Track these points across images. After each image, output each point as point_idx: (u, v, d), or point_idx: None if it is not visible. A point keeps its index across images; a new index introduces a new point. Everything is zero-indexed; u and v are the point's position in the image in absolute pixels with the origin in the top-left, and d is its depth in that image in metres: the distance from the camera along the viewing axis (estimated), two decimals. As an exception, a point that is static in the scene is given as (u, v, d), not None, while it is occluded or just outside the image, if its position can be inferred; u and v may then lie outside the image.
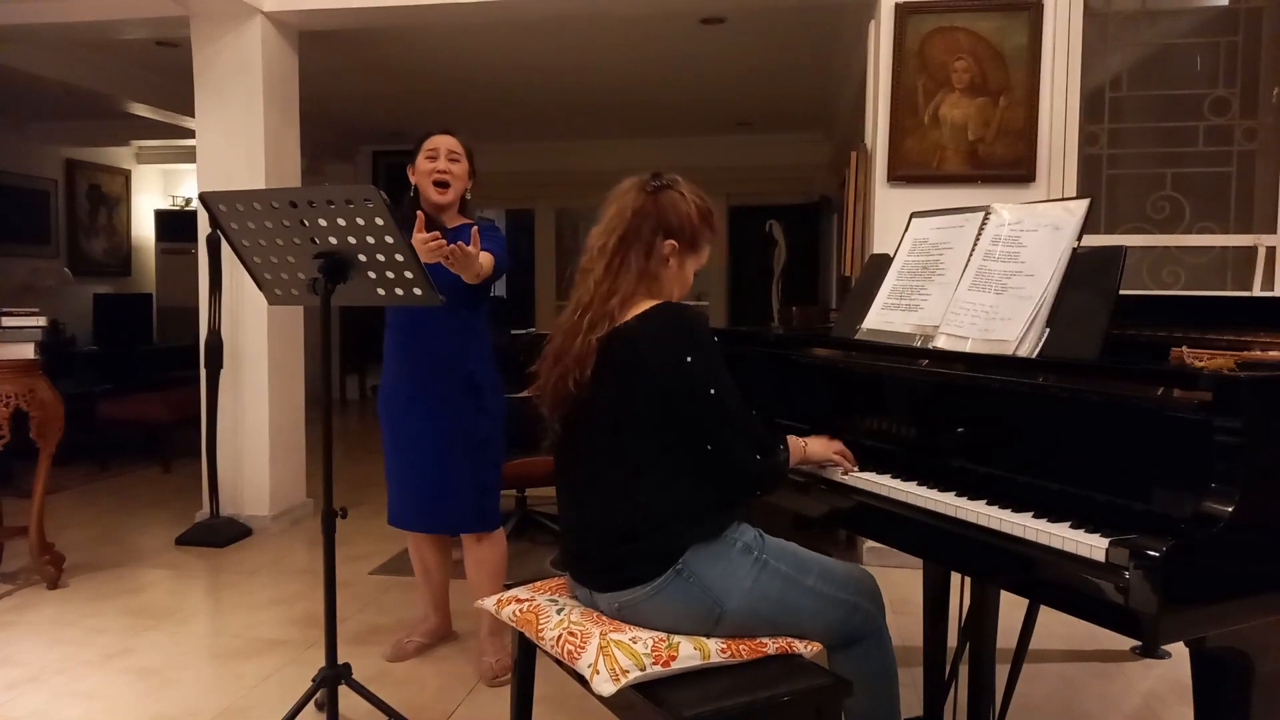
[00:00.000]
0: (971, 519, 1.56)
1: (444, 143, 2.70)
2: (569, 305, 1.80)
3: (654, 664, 1.58)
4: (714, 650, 1.63)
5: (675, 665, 1.59)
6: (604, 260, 1.75)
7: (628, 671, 1.56)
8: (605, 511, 1.71)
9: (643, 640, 1.62)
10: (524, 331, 7.21)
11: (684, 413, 1.67)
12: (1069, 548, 1.38)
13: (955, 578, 2.16)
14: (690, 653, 1.61)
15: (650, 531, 1.67)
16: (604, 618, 1.72)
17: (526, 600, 1.83)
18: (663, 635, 1.64)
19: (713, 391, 1.66)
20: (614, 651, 1.59)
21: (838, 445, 1.88)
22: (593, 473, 1.74)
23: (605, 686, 1.55)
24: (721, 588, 1.66)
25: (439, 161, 2.68)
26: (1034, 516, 1.48)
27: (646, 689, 1.57)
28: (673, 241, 1.78)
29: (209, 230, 4.21)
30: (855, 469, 1.85)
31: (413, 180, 2.73)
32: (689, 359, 1.66)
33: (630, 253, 1.74)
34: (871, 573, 1.83)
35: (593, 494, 1.74)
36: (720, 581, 1.66)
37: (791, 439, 1.83)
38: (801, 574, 1.72)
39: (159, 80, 6.15)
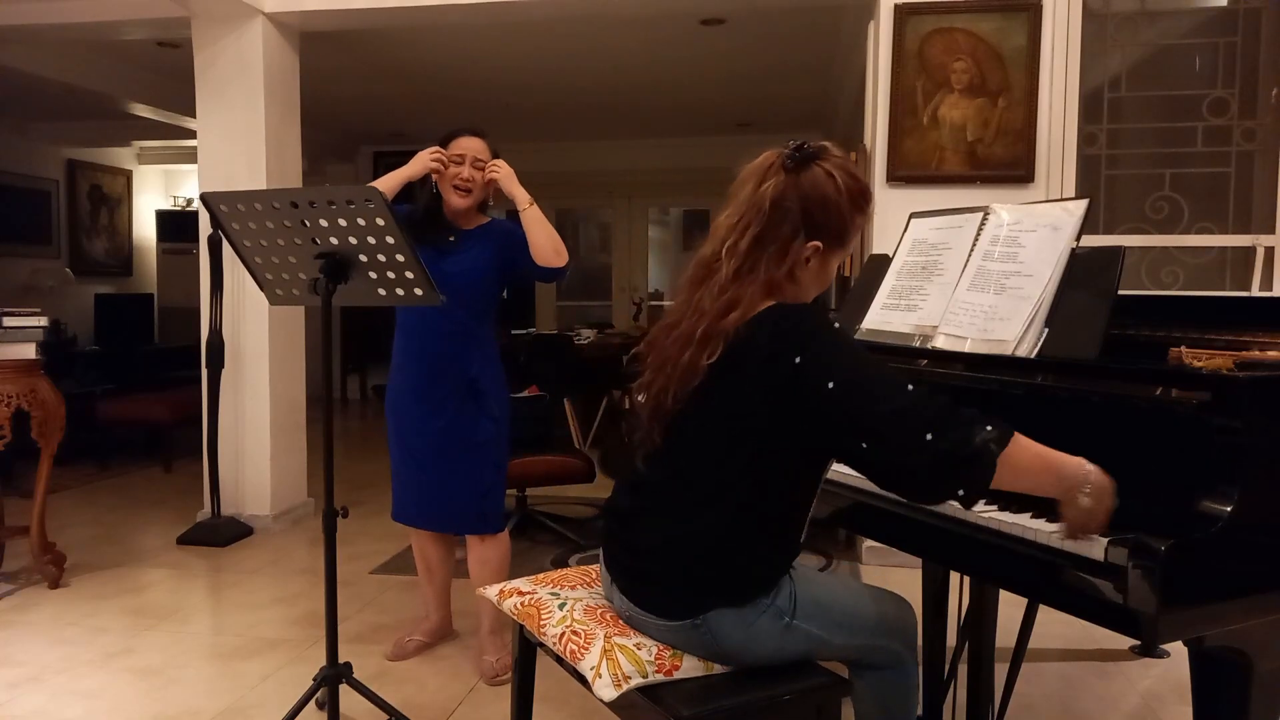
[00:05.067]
0: (970, 518, 1.56)
1: (473, 148, 2.68)
2: (685, 299, 1.57)
3: (657, 672, 1.57)
4: (718, 667, 1.62)
5: (678, 675, 1.59)
6: (733, 263, 1.51)
7: (630, 677, 1.55)
8: (654, 524, 1.60)
9: (647, 647, 1.61)
10: (524, 331, 7.23)
11: (803, 423, 1.43)
12: (1068, 547, 1.39)
13: (954, 577, 2.16)
14: (694, 664, 1.61)
15: (683, 571, 1.55)
16: (608, 618, 1.71)
17: (529, 593, 1.82)
18: (668, 646, 1.63)
19: (831, 385, 1.38)
20: (617, 656, 1.59)
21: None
22: (664, 480, 1.60)
23: (606, 692, 1.54)
24: (739, 650, 1.57)
25: (464, 168, 2.66)
26: (1033, 516, 1.49)
27: (647, 688, 1.57)
28: (816, 244, 1.52)
29: (210, 230, 4.21)
30: None
31: (434, 177, 2.69)
32: (797, 359, 1.41)
33: (763, 259, 1.51)
34: (909, 604, 1.71)
35: (655, 501, 1.61)
36: (739, 646, 1.56)
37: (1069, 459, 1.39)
38: (829, 634, 1.59)
39: (160, 81, 6.15)
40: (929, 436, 1.34)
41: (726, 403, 1.50)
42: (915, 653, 1.71)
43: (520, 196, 2.65)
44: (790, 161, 1.54)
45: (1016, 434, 1.37)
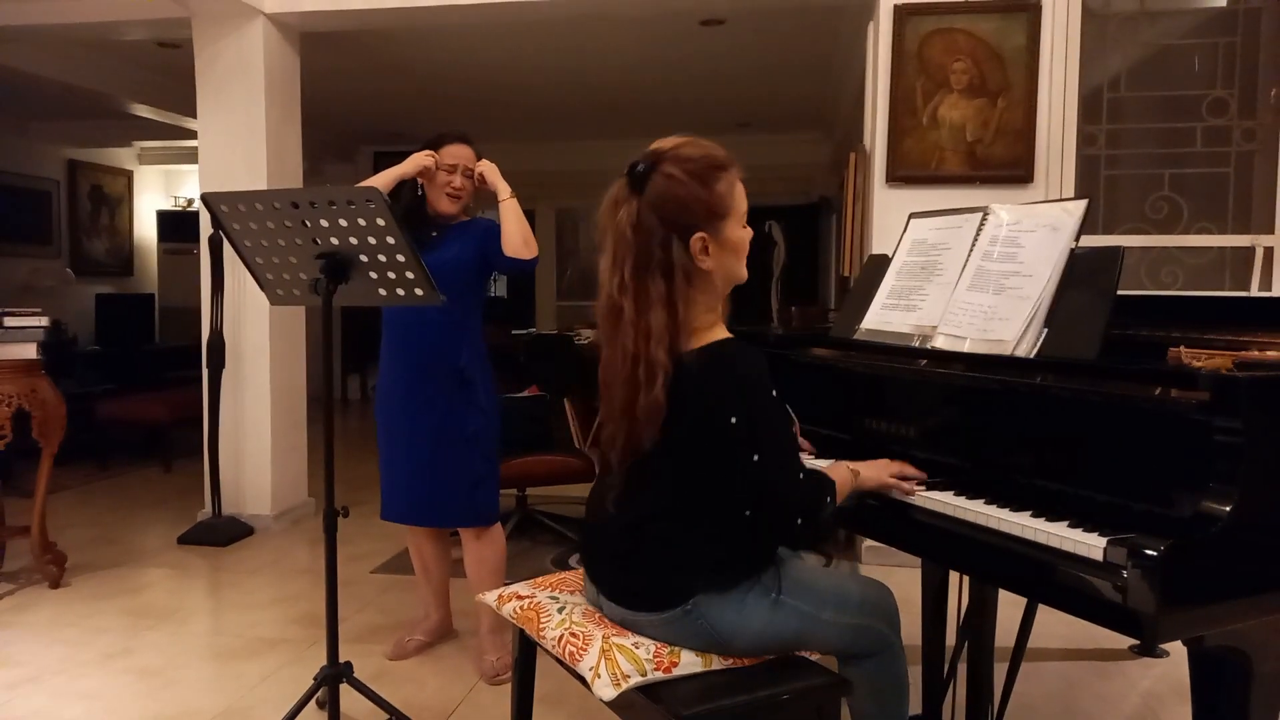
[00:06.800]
0: (970, 518, 1.57)
1: (463, 157, 2.76)
2: (610, 346, 1.62)
3: (655, 670, 1.58)
4: (716, 661, 1.63)
5: (676, 672, 1.59)
6: (628, 298, 1.56)
7: (629, 676, 1.56)
8: (630, 530, 1.65)
9: (645, 646, 1.62)
10: (524, 331, 7.23)
11: (723, 472, 1.58)
12: (1067, 547, 1.39)
13: (954, 577, 2.17)
14: (692, 660, 1.61)
15: (664, 569, 1.62)
16: (606, 620, 1.72)
17: (527, 597, 1.83)
18: (665, 643, 1.64)
19: (755, 458, 1.55)
20: (616, 656, 1.59)
21: (895, 468, 1.74)
22: (634, 485, 1.65)
23: (606, 691, 1.55)
24: (731, 631, 1.60)
25: (455, 177, 2.74)
26: (1032, 516, 1.49)
27: (646, 688, 1.57)
28: (699, 235, 1.56)
29: (211, 230, 4.22)
30: (920, 489, 1.70)
31: (420, 178, 2.75)
32: (733, 419, 1.53)
33: (650, 281, 1.55)
34: (888, 587, 1.78)
35: (626, 508, 1.66)
36: (730, 626, 1.60)
37: (840, 472, 1.68)
38: (817, 609, 1.65)
39: (161, 81, 6.15)
40: (799, 521, 1.60)
41: (671, 426, 1.57)
42: (900, 636, 1.75)
43: (502, 188, 2.75)
44: (634, 184, 1.57)
45: (839, 481, 1.66)
